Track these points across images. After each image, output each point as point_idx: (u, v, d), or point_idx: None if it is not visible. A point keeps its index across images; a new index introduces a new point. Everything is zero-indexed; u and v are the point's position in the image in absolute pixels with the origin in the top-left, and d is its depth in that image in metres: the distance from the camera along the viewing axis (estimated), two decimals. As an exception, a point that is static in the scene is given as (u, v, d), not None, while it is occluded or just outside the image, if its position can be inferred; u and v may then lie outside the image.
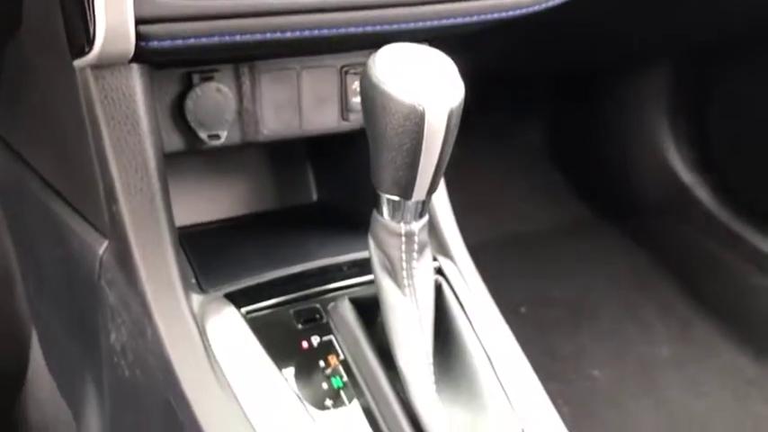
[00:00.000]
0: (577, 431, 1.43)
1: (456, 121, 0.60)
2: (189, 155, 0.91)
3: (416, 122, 0.58)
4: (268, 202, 0.98)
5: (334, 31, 0.71)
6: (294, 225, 0.92)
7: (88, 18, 0.61)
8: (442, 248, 0.85)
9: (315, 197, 1.00)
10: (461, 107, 0.60)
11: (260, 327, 0.70)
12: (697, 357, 1.61)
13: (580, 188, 2.03)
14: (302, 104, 0.82)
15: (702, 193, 1.82)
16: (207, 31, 0.66)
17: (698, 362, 1.60)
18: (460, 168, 1.95)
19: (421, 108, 0.57)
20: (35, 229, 0.99)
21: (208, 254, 0.83)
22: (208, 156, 0.94)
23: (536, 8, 0.82)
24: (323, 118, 0.84)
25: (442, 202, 0.87)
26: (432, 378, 0.64)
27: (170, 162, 0.87)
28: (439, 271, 0.79)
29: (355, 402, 0.67)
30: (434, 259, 0.81)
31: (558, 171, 2.06)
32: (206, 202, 0.95)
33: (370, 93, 0.59)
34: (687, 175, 1.85)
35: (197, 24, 0.65)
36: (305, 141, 0.99)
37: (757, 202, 1.72)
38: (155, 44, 0.64)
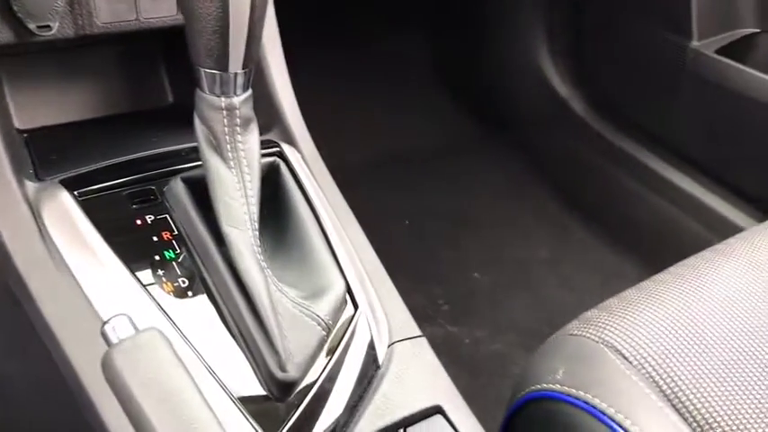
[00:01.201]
0: (457, 327, 1.53)
1: None
2: (39, 57, 0.90)
3: None
4: (122, 105, 0.98)
5: None
6: (145, 124, 0.93)
7: None
8: (286, 136, 0.88)
9: (171, 99, 1.01)
10: None
11: (93, 208, 0.72)
12: (571, 257, 1.71)
13: (465, 104, 2.09)
14: None
15: (578, 105, 1.90)
16: None
17: (572, 261, 1.70)
18: (346, 87, 1.98)
19: None
20: None
21: (51, 149, 0.83)
22: (58, 58, 0.93)
23: None
24: (161, 10, 0.84)
25: (286, 93, 0.90)
26: (256, 242, 0.67)
27: (17, 63, 0.86)
28: (280, 155, 0.82)
29: (186, 272, 0.70)
30: (276, 145, 0.85)
31: (443, 88, 2.12)
32: (56, 106, 0.94)
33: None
34: (563, 89, 1.93)
35: None
36: (158, 41, 0.99)
37: (626, 111, 1.81)
38: None
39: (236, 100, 0.67)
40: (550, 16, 1.92)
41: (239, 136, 0.68)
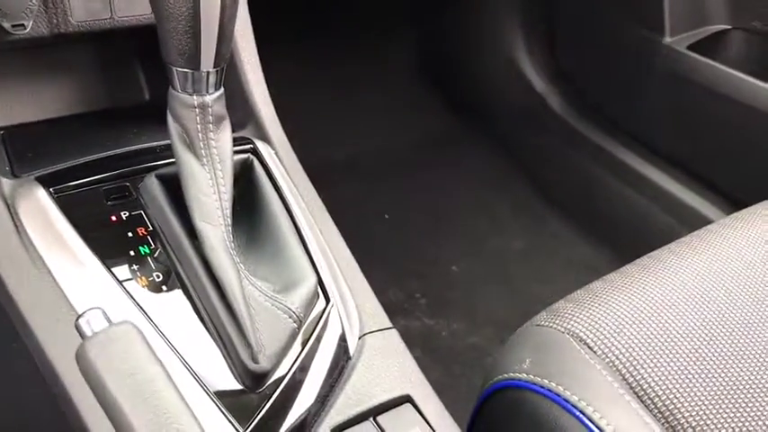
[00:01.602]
0: (434, 320, 1.55)
1: None
2: (14, 54, 0.91)
3: None
4: (99, 102, 0.99)
5: None
6: (121, 121, 0.94)
7: None
8: (260, 133, 0.89)
9: (147, 96, 1.02)
10: None
11: (69, 205, 0.73)
12: (546, 249, 1.74)
13: (444, 99, 2.12)
14: None
15: (554, 101, 1.93)
16: None
17: (547, 253, 1.73)
18: (326, 83, 1.99)
19: None
20: None
21: (27, 146, 0.84)
22: (34, 55, 0.94)
23: None
24: (135, 9, 0.85)
25: (260, 90, 0.91)
26: (229, 237, 0.68)
27: None
28: (253, 152, 0.84)
29: (161, 267, 0.72)
30: (250, 142, 0.86)
31: (422, 83, 2.14)
32: (33, 103, 0.95)
33: (145, -37, 0.62)
34: (540, 84, 1.95)
35: None
36: (133, 39, 1.00)
37: (601, 107, 1.84)
38: None
39: (209, 98, 0.68)
40: (526, 12, 1.95)
41: (212, 133, 0.69)
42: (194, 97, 0.68)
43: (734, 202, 1.54)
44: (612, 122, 1.80)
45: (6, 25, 0.78)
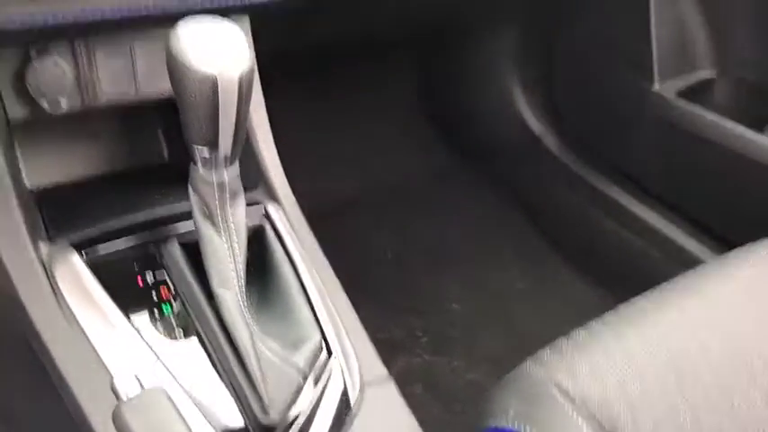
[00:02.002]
0: (435, 356, 1.61)
1: (248, 84, 0.72)
2: (46, 123, 1.00)
3: (210, 87, 0.69)
4: (125, 162, 1.08)
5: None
6: (143, 183, 1.02)
7: None
8: (270, 195, 0.98)
9: (167, 159, 1.11)
10: (252, 72, 0.72)
11: (101, 269, 0.81)
12: (546, 289, 1.80)
13: (444, 139, 2.19)
14: (137, 73, 0.92)
15: (550, 141, 2.00)
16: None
17: (547, 293, 1.79)
18: (326, 122, 2.06)
19: (213, 76, 0.69)
20: None
21: (61, 209, 0.92)
22: (65, 122, 1.03)
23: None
24: (158, 86, 0.94)
25: (271, 155, 0.99)
26: (242, 299, 0.76)
27: (28, 129, 0.96)
28: (266, 215, 0.92)
29: (182, 325, 0.80)
30: (262, 206, 0.95)
31: (425, 124, 2.21)
32: (63, 165, 1.04)
33: (171, 63, 0.70)
34: (537, 126, 2.03)
35: None
36: (155, 110, 1.09)
37: (596, 148, 1.91)
38: None
39: (226, 176, 0.77)
40: (523, 55, 2.03)
41: (228, 206, 0.78)
42: (213, 174, 0.76)
43: (728, 244, 1.59)
44: (608, 164, 1.87)
45: (44, 104, 0.87)
